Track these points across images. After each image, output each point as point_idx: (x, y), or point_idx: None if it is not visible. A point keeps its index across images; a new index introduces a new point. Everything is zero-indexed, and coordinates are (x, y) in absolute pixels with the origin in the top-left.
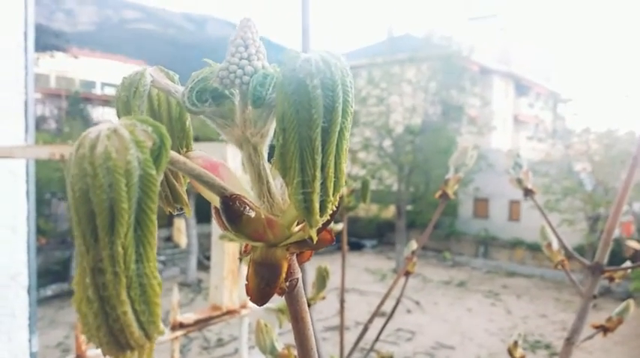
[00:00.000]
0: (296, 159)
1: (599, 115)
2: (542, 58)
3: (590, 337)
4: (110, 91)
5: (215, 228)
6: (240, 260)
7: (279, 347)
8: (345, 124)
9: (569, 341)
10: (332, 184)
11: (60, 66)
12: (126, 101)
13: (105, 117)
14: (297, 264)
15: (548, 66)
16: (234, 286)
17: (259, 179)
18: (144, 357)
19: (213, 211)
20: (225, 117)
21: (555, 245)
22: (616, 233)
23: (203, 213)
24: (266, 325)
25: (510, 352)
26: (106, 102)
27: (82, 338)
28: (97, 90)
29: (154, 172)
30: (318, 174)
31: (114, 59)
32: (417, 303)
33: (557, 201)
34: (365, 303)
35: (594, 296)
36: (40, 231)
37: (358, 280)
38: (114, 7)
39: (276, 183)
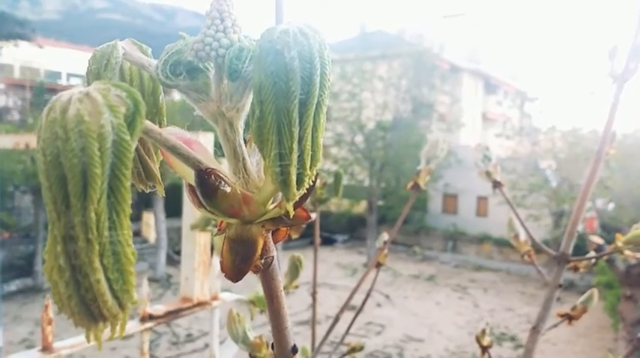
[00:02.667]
0: (273, 132)
1: (564, 114)
2: (510, 57)
3: (556, 325)
4: (76, 82)
5: (185, 220)
6: (212, 251)
7: (252, 336)
8: (322, 97)
9: (535, 330)
10: (309, 157)
11: (24, 55)
12: (97, 73)
13: None
14: (272, 242)
15: (516, 65)
16: (205, 278)
17: (235, 155)
18: (117, 328)
19: (186, 188)
20: (200, 91)
21: (522, 236)
22: (580, 228)
23: (172, 208)
24: (238, 314)
25: (478, 340)
26: None
27: (48, 330)
28: (63, 81)
29: (128, 138)
30: (295, 146)
31: (80, 49)
32: (387, 297)
33: (523, 197)
34: (335, 298)
35: (560, 286)
36: (2, 225)
37: (329, 275)
38: None
39: (252, 160)
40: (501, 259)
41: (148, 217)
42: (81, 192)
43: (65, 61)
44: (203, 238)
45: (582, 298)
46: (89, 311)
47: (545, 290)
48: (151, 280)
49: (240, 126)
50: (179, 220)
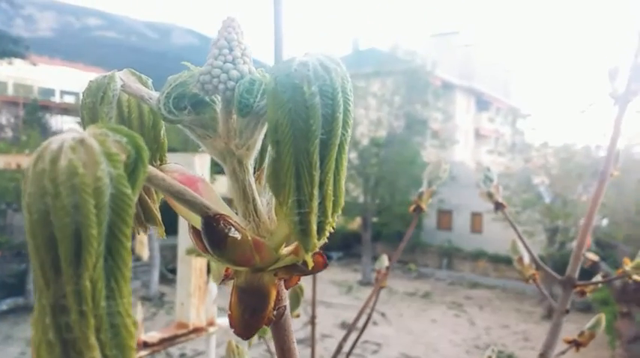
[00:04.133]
0: (291, 176)
1: (556, 130)
2: (502, 74)
3: (564, 352)
4: (69, 99)
5: (181, 241)
6: (208, 274)
7: None
8: (345, 136)
9: (543, 357)
10: (331, 203)
11: (18, 73)
12: (92, 107)
13: (64, 125)
14: (284, 290)
15: (508, 82)
16: (201, 303)
17: (244, 196)
18: None
19: (190, 232)
20: (207, 126)
21: (526, 259)
22: (574, 245)
23: (166, 225)
24: (237, 346)
25: None
26: (65, 110)
27: None
28: (56, 98)
29: (129, 191)
30: (316, 192)
31: (74, 67)
32: (383, 315)
33: (517, 213)
34: (331, 315)
35: (567, 311)
36: None
37: (324, 292)
38: (75, 14)
39: (262, 199)
40: (497, 276)
41: (142, 235)
42: (73, 257)
43: (59, 79)
44: (199, 262)
45: (590, 323)
46: None
47: (541, 306)
48: (144, 298)
49: (250, 164)
50: (173, 238)
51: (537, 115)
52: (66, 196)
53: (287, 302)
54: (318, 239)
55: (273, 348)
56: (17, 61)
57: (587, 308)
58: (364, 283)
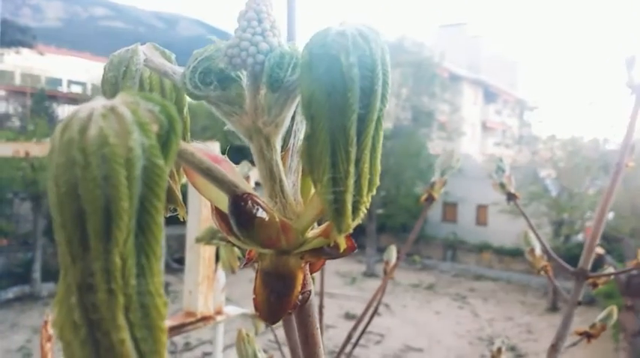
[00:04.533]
0: (326, 153)
1: (563, 123)
2: (510, 66)
3: (575, 343)
4: (77, 89)
5: (190, 230)
6: (217, 263)
7: (262, 357)
8: (382, 112)
9: (554, 348)
10: (366, 182)
11: (25, 62)
12: (114, 82)
13: None
14: (309, 274)
15: (516, 74)
16: (209, 291)
17: (271, 176)
18: None
19: (213, 213)
20: (233, 103)
21: (538, 250)
22: (580, 237)
23: (173, 215)
24: (248, 334)
25: None
26: (72, 100)
27: (48, 347)
28: (64, 88)
29: (161, 163)
30: (352, 170)
31: (81, 56)
32: (387, 306)
33: (523, 206)
34: (335, 306)
35: (579, 303)
36: (1, 232)
37: (329, 283)
38: (82, 4)
39: (288, 181)
40: (501, 268)
41: None
42: (103, 232)
43: (66, 68)
44: (207, 251)
45: (601, 315)
46: None
47: (545, 299)
48: None
49: (278, 142)
50: (177, 228)
51: (545, 108)
52: (96, 167)
53: (312, 287)
54: (353, 219)
55: (280, 338)
56: (25, 51)
57: (591, 301)
58: (368, 274)
